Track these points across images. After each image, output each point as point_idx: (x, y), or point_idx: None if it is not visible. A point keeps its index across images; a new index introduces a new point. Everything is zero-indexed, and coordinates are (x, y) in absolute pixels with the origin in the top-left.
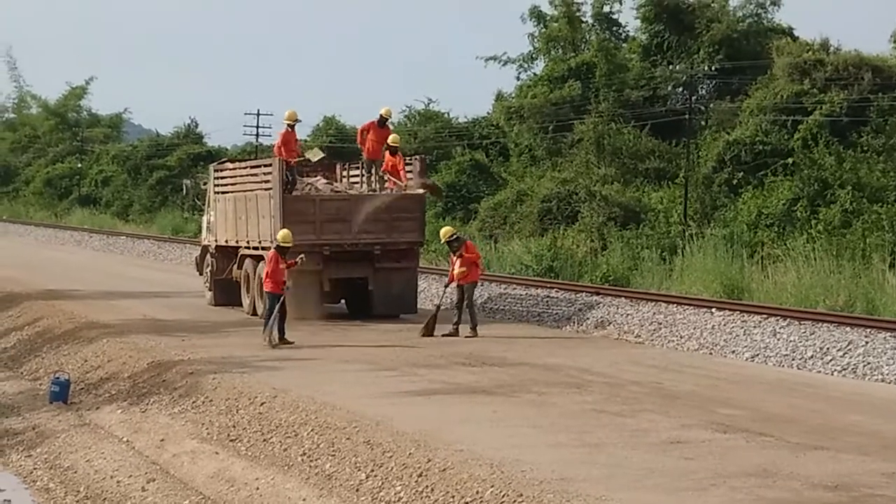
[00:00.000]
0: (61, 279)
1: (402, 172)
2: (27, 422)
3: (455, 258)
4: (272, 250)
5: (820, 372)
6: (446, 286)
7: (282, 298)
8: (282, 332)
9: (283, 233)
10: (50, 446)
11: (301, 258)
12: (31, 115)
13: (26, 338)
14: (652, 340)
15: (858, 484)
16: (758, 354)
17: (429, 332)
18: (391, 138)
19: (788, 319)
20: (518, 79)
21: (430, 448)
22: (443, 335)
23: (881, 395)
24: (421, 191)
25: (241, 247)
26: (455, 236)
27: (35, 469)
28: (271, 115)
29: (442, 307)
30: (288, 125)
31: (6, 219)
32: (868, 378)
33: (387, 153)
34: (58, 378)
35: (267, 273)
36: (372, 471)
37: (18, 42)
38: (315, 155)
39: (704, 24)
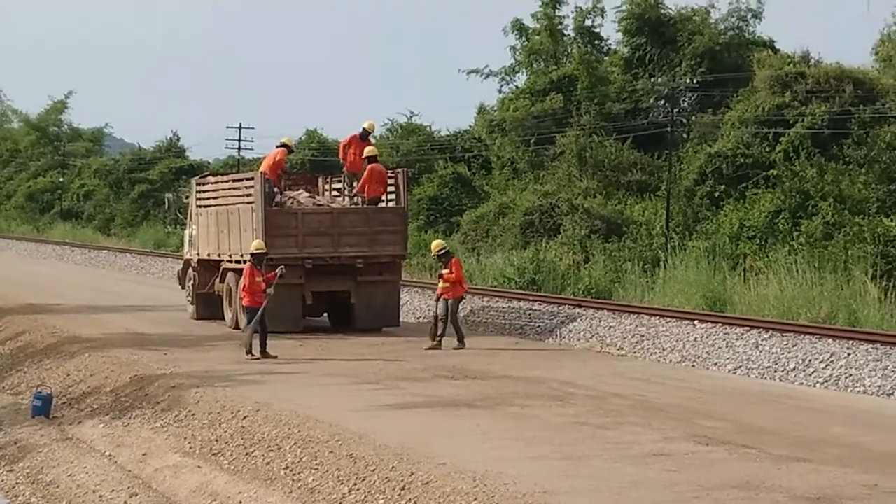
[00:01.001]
0: (43, 293)
1: (372, 183)
2: (9, 436)
3: (443, 272)
4: (248, 264)
5: (802, 384)
6: (437, 299)
7: (261, 311)
8: (264, 346)
9: (256, 242)
10: (32, 461)
11: (281, 270)
12: (12, 129)
13: (8, 352)
14: (635, 353)
15: (841, 496)
16: (740, 366)
17: (436, 346)
18: (367, 150)
19: (771, 331)
20: (500, 91)
21: (412, 461)
22: (426, 349)
23: (863, 407)
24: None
25: (223, 260)
26: (444, 250)
27: (17, 484)
28: (253, 128)
29: (438, 318)
30: (285, 147)
31: None
32: (850, 390)
33: (368, 165)
34: (40, 392)
35: (244, 287)
36: (355, 484)
37: None
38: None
39: (686, 37)
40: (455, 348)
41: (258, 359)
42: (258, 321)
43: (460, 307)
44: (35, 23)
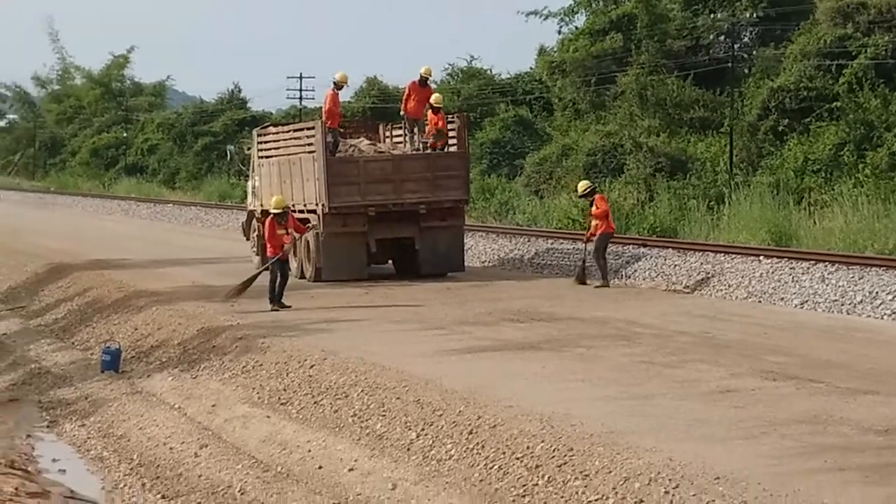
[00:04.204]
0: (110, 249)
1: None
2: (79, 391)
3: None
4: (269, 217)
5: (869, 316)
6: (586, 240)
7: (275, 260)
8: (281, 295)
9: (275, 199)
10: (102, 415)
11: (309, 227)
12: (75, 86)
13: (76, 308)
14: (700, 291)
15: None
16: (806, 301)
17: (581, 281)
18: (433, 98)
19: (837, 265)
20: (559, 33)
21: (479, 405)
22: (596, 286)
23: None
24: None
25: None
26: (591, 189)
27: (88, 438)
28: (313, 77)
29: (587, 260)
30: (335, 85)
31: (54, 190)
32: None
33: (429, 112)
34: (108, 347)
35: (265, 237)
36: (422, 430)
37: (59, 13)
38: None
39: None
40: (597, 286)
41: (275, 309)
42: (273, 272)
43: (608, 245)
44: None
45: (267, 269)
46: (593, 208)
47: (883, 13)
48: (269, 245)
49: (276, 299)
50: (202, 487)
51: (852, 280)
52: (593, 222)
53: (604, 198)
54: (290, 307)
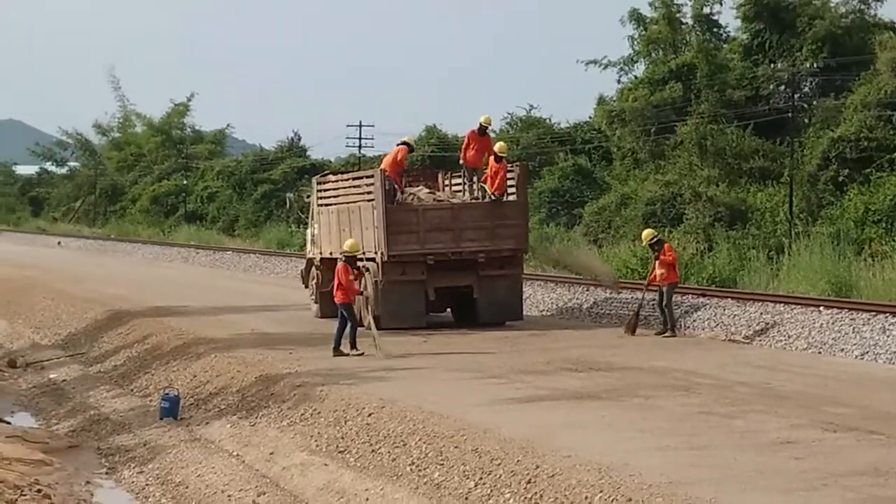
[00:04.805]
0: (169, 296)
1: (500, 180)
2: (138, 438)
3: (655, 260)
4: (342, 263)
5: None
6: (646, 287)
7: (349, 307)
8: (354, 341)
9: (350, 242)
10: (161, 462)
11: (364, 266)
12: (135, 133)
13: (136, 355)
14: (759, 341)
15: None
16: (867, 352)
17: (631, 330)
18: (498, 146)
19: None
20: (619, 82)
21: (537, 454)
22: (656, 334)
23: None
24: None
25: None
26: (657, 238)
27: (147, 485)
28: (373, 126)
29: (642, 308)
30: (406, 145)
31: (114, 237)
32: None
33: (491, 159)
34: (167, 394)
35: (338, 285)
36: (480, 479)
37: (121, 61)
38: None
39: (806, 22)
40: (660, 334)
41: (357, 354)
42: (345, 318)
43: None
44: (154, 27)
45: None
46: (661, 256)
47: None
48: (339, 292)
49: (352, 344)
50: None
51: None
52: (658, 272)
53: (671, 247)
54: (362, 353)
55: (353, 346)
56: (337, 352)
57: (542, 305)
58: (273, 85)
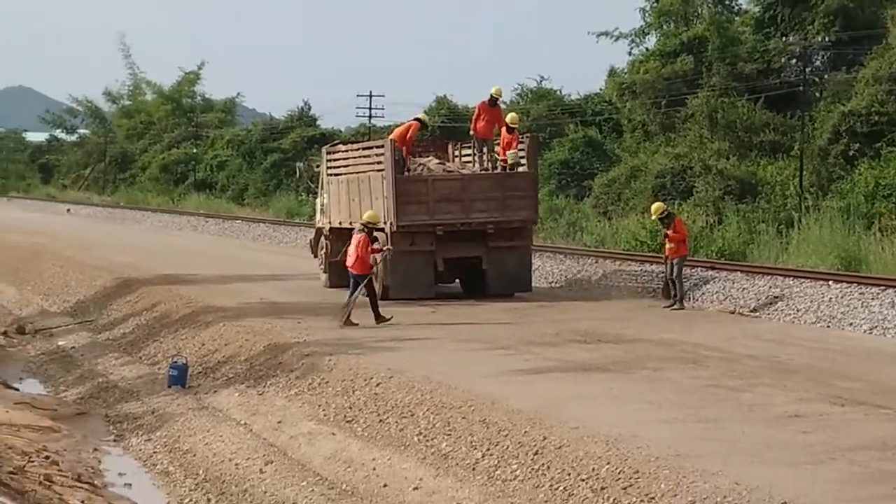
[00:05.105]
0: (178, 264)
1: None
2: (146, 406)
3: (665, 234)
4: (362, 234)
5: None
6: (666, 259)
7: (369, 278)
8: (377, 310)
9: (370, 213)
10: (169, 430)
11: (388, 249)
12: (146, 101)
13: (144, 323)
14: (768, 314)
15: None
16: (876, 326)
17: (668, 296)
18: (510, 117)
19: None
20: (630, 54)
21: (545, 426)
22: (665, 307)
23: None
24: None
25: (354, 228)
26: (666, 212)
27: (155, 453)
28: (383, 96)
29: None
30: (418, 121)
31: (124, 205)
32: None
33: (503, 131)
34: (176, 362)
35: (358, 255)
36: (488, 450)
37: (131, 29)
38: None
39: None
40: (671, 307)
41: (348, 325)
42: (364, 288)
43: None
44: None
45: (362, 288)
46: (670, 231)
47: None
48: (358, 262)
49: (377, 315)
50: None
51: None
52: (669, 245)
53: (681, 221)
54: (390, 319)
55: (379, 316)
56: (348, 322)
57: (551, 277)
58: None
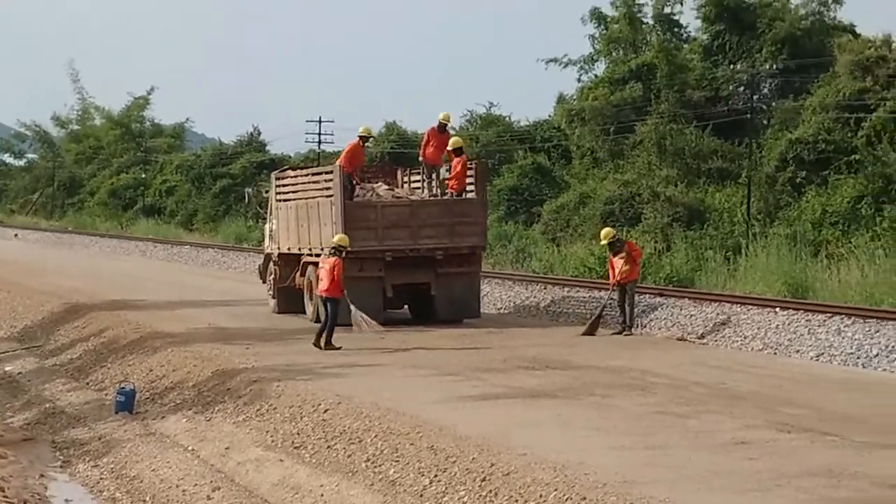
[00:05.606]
0: (127, 289)
1: (461, 176)
2: (93, 432)
3: (615, 259)
4: (335, 257)
5: (885, 370)
6: (612, 287)
7: (337, 303)
8: (330, 336)
9: (340, 236)
10: (116, 456)
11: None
12: (94, 126)
13: (92, 348)
14: (716, 341)
15: None
16: (822, 353)
17: (591, 331)
18: (452, 141)
19: (853, 318)
20: (579, 81)
21: (493, 452)
22: (614, 333)
23: None
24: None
25: (303, 254)
26: (616, 237)
27: (102, 479)
28: (332, 122)
29: (605, 309)
30: (360, 138)
31: (72, 230)
32: None
33: (452, 154)
34: (123, 388)
35: (333, 278)
36: (436, 476)
37: (80, 54)
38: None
39: (766, 23)
40: (618, 333)
41: (333, 349)
42: (331, 313)
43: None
44: (114, 21)
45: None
46: (625, 253)
47: None
48: (334, 287)
49: (327, 341)
50: None
51: (868, 333)
52: (622, 268)
53: (634, 244)
54: (340, 348)
55: (329, 342)
56: (329, 346)
57: (499, 303)
58: (233, 79)
